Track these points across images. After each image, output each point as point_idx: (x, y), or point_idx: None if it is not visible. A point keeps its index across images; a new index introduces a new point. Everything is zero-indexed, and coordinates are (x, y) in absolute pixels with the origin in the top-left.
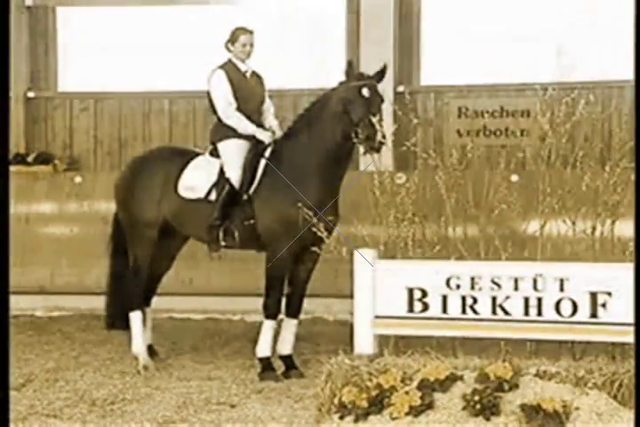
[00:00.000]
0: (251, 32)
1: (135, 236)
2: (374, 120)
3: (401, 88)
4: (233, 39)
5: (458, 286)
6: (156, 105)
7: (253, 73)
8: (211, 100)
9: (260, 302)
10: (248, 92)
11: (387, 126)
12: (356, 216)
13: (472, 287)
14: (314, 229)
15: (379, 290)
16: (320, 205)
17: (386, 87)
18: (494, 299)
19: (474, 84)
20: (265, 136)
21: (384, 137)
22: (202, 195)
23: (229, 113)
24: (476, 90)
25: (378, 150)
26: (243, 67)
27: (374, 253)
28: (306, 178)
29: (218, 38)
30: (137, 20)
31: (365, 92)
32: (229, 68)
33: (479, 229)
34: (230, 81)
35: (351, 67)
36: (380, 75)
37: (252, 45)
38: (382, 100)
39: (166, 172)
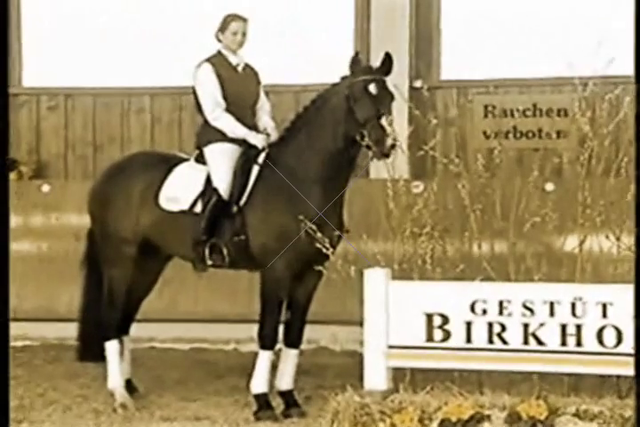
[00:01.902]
0: (244, 20)
1: (111, 254)
2: (383, 121)
3: (418, 83)
4: (223, 27)
5: (484, 312)
6: (136, 103)
7: (246, 66)
8: (197, 99)
9: (255, 329)
10: (240, 89)
11: (401, 128)
12: (365, 230)
13: (500, 313)
14: (316, 245)
15: (393, 316)
16: (323, 218)
17: (400, 82)
18: (526, 326)
19: (502, 79)
20: (257, 140)
21: (395, 140)
22: (186, 207)
23: (217, 114)
24: (504, 85)
25: (388, 155)
26: (234, 59)
27: (387, 273)
28: (305, 187)
29: (208, 27)
30: (114, 5)
31: (372, 87)
32: (218, 60)
33: (508, 246)
34: (219, 76)
35: (358, 59)
36: (387, 66)
37: (244, 35)
38: (393, 98)
39: (146, 180)
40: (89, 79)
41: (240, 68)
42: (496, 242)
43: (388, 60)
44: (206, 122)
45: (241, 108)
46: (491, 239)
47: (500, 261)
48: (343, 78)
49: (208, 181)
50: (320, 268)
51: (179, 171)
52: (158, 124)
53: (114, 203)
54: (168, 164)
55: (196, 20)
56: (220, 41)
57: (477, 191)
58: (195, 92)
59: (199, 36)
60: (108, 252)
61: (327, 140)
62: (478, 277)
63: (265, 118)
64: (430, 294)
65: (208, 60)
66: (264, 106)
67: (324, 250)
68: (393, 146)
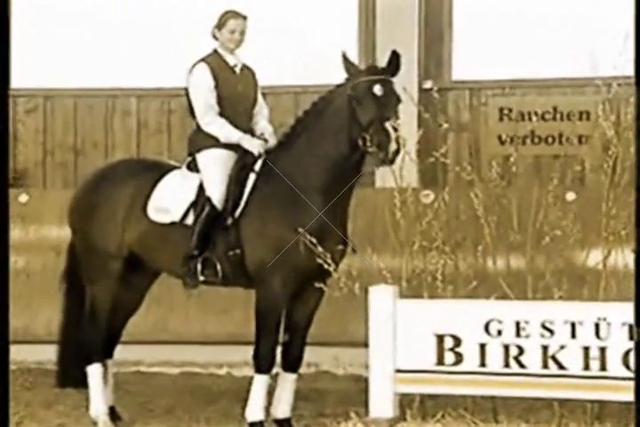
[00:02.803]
0: (243, 17)
1: (94, 270)
2: (388, 124)
3: (427, 84)
4: (220, 24)
5: (499, 333)
6: (121, 105)
7: (244, 67)
8: (190, 102)
9: (249, 351)
10: (237, 92)
11: (409, 132)
12: (370, 244)
13: (517, 334)
14: (317, 260)
15: (400, 337)
16: (324, 230)
17: (408, 83)
18: (545, 349)
19: (519, 79)
20: (253, 145)
21: (401, 145)
22: (176, 218)
23: (209, 118)
24: (521, 86)
25: (392, 162)
26: (231, 59)
27: (394, 290)
28: (306, 196)
29: (201, 24)
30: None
31: (377, 89)
32: (214, 60)
33: (526, 261)
34: (215, 77)
35: (346, 59)
36: (394, 66)
37: (242, 33)
38: (399, 100)
39: (133, 189)
40: (70, 79)
41: (237, 69)
42: (512, 257)
43: (395, 60)
44: (199, 126)
45: (237, 112)
46: (507, 254)
47: (516, 278)
48: (347, 79)
49: (200, 190)
50: (321, 285)
51: (168, 179)
52: (145, 129)
53: (97, 214)
54: (157, 171)
55: (188, 17)
56: (216, 39)
57: (492, 201)
58: (188, 95)
59: (191, 34)
60: (91, 267)
61: (330, 146)
62: (493, 294)
63: (262, 123)
64: (441, 314)
65: (203, 59)
66: (262, 109)
67: (326, 265)
68: (397, 151)
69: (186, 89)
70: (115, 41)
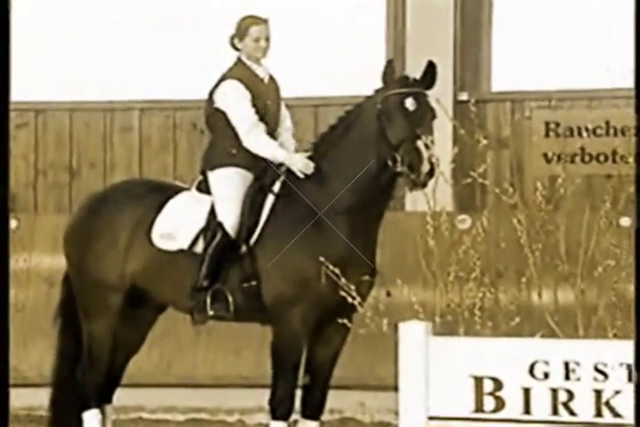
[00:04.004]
0: (264, 21)
1: (92, 304)
2: (420, 143)
3: (464, 96)
4: (241, 33)
5: (546, 376)
6: (122, 120)
7: (271, 78)
8: (210, 117)
9: (265, 395)
10: (266, 106)
11: (443, 150)
12: (400, 275)
13: (567, 377)
14: (341, 293)
15: (434, 380)
16: (349, 259)
17: (442, 95)
18: (599, 394)
19: (567, 90)
20: (304, 164)
21: (433, 166)
22: (184, 245)
23: (255, 136)
24: (569, 98)
25: (424, 185)
26: (260, 71)
27: (427, 327)
28: (330, 222)
29: (209, 31)
30: (95, 4)
31: (409, 103)
32: (243, 73)
33: (576, 294)
34: (250, 92)
35: (391, 67)
36: (429, 78)
37: (267, 39)
38: (434, 115)
39: (136, 214)
40: (64, 92)
41: (266, 81)
42: (560, 289)
43: (430, 71)
44: (213, 142)
45: (269, 127)
46: (554, 286)
47: (565, 313)
48: (377, 91)
49: (212, 214)
50: (345, 321)
51: (175, 202)
52: (148, 146)
53: (95, 241)
54: (162, 194)
55: (195, 23)
56: (236, 49)
57: (537, 227)
58: (211, 110)
59: (197, 41)
60: (89, 301)
61: (357, 166)
62: (539, 332)
63: (285, 136)
64: (479, 354)
65: (231, 74)
66: (285, 121)
67: (351, 299)
68: (431, 173)
69: (209, 106)
70: (114, 49)
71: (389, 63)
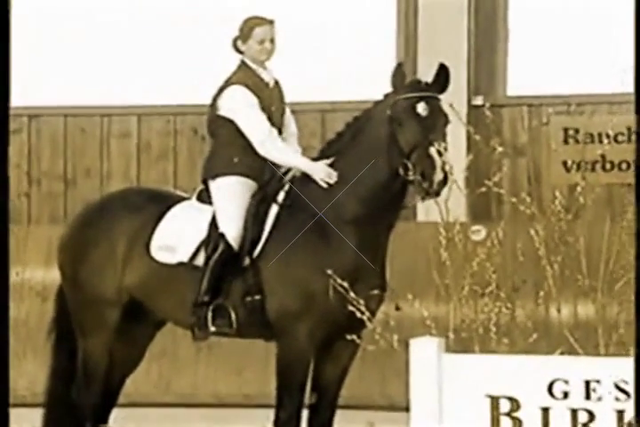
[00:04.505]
0: (270, 22)
1: (88, 319)
2: (433, 150)
3: (478, 100)
4: (245, 35)
5: (565, 395)
6: (119, 126)
7: (276, 82)
8: (213, 123)
9: (269, 416)
10: (271, 112)
11: (457, 157)
12: (411, 288)
13: (587, 397)
14: (350, 308)
15: (447, 400)
16: (358, 272)
17: (456, 99)
18: (621, 414)
19: (587, 94)
20: (325, 172)
21: (447, 174)
22: (185, 258)
23: (271, 143)
24: (589, 102)
25: (437, 194)
26: (265, 75)
27: (440, 343)
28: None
29: (210, 33)
30: (92, 4)
31: (421, 108)
32: (249, 78)
33: (596, 310)
34: (257, 97)
35: (401, 71)
36: (442, 81)
37: (272, 41)
38: (447, 120)
39: (134, 225)
40: (59, 96)
41: (271, 85)
42: (580, 304)
43: (442, 74)
44: (215, 149)
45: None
46: (573, 301)
47: (585, 330)
48: (387, 96)
49: (213, 225)
50: (354, 337)
51: (175, 212)
52: (147, 154)
53: (91, 254)
54: (161, 204)
55: (195, 25)
56: (239, 52)
57: (556, 239)
58: (213, 117)
59: (198, 43)
60: (84, 316)
61: (366, 174)
62: (558, 349)
63: (290, 142)
64: (495, 372)
65: (236, 79)
66: (290, 127)
67: (359, 314)
68: (444, 181)
69: (211, 113)
70: (111, 51)
71: (399, 66)
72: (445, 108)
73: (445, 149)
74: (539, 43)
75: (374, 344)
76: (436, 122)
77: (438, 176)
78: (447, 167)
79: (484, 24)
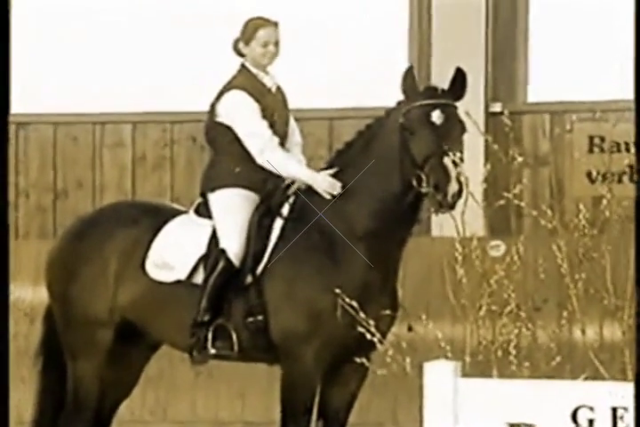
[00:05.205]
0: (274, 24)
1: (78, 341)
2: (447, 160)
3: (497, 107)
4: (247, 37)
5: (591, 423)
6: (112, 135)
7: (278, 88)
8: (212, 132)
9: None
10: (273, 120)
11: (474, 168)
12: (425, 308)
13: (614, 425)
14: (359, 329)
15: (463, 426)
16: (368, 291)
17: (473, 106)
18: None
19: (613, 100)
20: (329, 184)
21: (462, 185)
22: (182, 276)
23: (271, 152)
24: (615, 109)
25: (452, 207)
26: (267, 80)
27: (456, 367)
28: (346, 248)
29: (209, 36)
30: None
31: (436, 116)
32: (249, 82)
33: (623, 331)
34: (258, 103)
35: (411, 75)
36: (458, 88)
37: (277, 44)
38: (464, 129)
39: (128, 240)
40: (49, 103)
41: (274, 91)
42: (606, 325)
43: (459, 79)
44: (214, 159)
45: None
46: (599, 321)
47: (611, 352)
48: (400, 103)
49: (213, 240)
50: (363, 360)
51: (172, 227)
52: (141, 164)
53: (82, 271)
54: (157, 217)
55: (193, 27)
56: (241, 55)
57: (580, 255)
58: (211, 125)
59: (196, 47)
60: (74, 338)
61: (378, 186)
62: (582, 373)
63: (294, 151)
64: (515, 398)
65: (237, 83)
66: (294, 136)
67: (369, 336)
68: (459, 193)
69: (210, 120)
70: (104, 56)
71: (409, 70)
72: (461, 115)
73: (461, 159)
74: (561, 45)
75: (385, 368)
76: (451, 131)
77: (453, 188)
78: (462, 179)
79: (502, 25)
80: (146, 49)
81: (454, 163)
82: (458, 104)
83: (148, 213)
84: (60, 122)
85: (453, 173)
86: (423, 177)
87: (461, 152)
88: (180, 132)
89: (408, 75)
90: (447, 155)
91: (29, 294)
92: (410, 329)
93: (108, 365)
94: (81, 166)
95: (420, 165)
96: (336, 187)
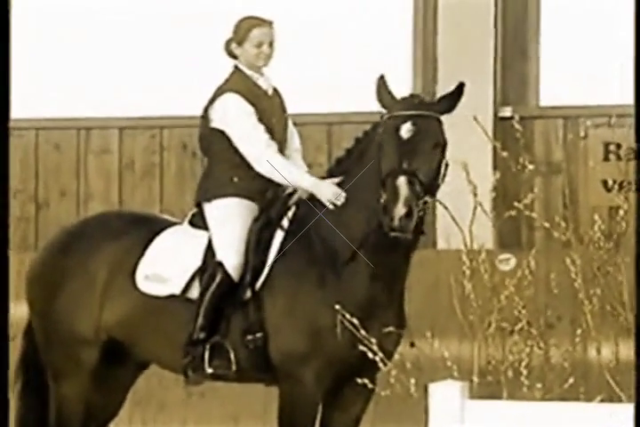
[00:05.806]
0: (269, 23)
1: (61, 361)
2: (402, 180)
3: (507, 111)
4: (240, 37)
5: None
6: (98, 141)
7: (274, 91)
8: (206, 138)
9: None
10: (271, 123)
11: (482, 176)
12: (430, 325)
13: None
14: (361, 348)
15: None
16: (371, 307)
17: (480, 111)
18: None
19: (629, 105)
20: (332, 192)
21: (412, 209)
22: (176, 290)
23: (273, 159)
24: (632, 114)
25: (402, 230)
26: (262, 82)
27: (463, 388)
28: (349, 263)
29: (200, 36)
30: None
31: (405, 129)
32: (244, 85)
33: None
34: (254, 106)
35: (384, 85)
36: (449, 101)
37: (271, 45)
38: (440, 142)
39: (116, 252)
40: (30, 107)
41: (270, 93)
42: (623, 344)
43: (455, 93)
44: (210, 168)
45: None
46: (615, 340)
47: (628, 373)
48: (383, 116)
49: (209, 252)
50: (366, 381)
51: (164, 238)
52: (130, 172)
53: (66, 286)
54: (147, 228)
55: (183, 27)
56: (233, 56)
57: (595, 269)
58: (205, 131)
59: (187, 48)
60: (57, 357)
61: (373, 197)
62: (598, 395)
63: (294, 158)
64: (526, 421)
65: (231, 86)
66: (293, 141)
67: (371, 355)
68: (407, 217)
69: (203, 126)
70: (90, 58)
71: (380, 80)
72: (439, 129)
73: (434, 176)
74: (575, 45)
75: (388, 389)
76: (419, 146)
77: (399, 211)
78: (417, 203)
79: (512, 24)
80: (133, 50)
81: (411, 182)
82: (460, 109)
83: (137, 224)
84: (42, 127)
85: (404, 194)
86: (383, 196)
87: (436, 168)
88: (170, 138)
89: (380, 85)
90: (404, 173)
91: (10, 309)
92: (412, 345)
93: (94, 385)
94: (65, 174)
95: (382, 182)
96: (340, 196)
